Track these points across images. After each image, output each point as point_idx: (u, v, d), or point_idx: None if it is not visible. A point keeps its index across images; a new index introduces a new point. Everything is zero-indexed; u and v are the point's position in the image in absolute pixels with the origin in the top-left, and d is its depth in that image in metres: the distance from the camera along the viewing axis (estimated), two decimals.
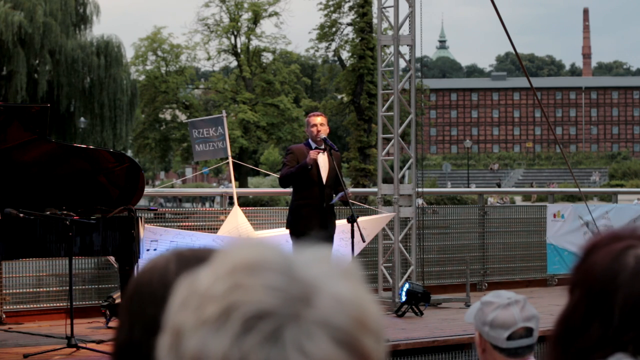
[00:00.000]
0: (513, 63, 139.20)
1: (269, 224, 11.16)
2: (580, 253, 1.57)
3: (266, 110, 53.66)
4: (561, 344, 1.52)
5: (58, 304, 10.24)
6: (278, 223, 10.85)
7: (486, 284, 12.99)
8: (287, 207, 9.56)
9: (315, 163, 8.99)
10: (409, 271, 11.65)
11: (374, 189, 13.21)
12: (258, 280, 0.89)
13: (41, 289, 10.33)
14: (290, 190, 9.45)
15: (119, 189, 8.77)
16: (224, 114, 10.97)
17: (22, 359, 7.88)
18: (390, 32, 12.45)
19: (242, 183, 50.10)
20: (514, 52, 11.67)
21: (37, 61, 41.75)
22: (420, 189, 11.87)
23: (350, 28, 47.43)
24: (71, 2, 41.78)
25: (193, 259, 1.33)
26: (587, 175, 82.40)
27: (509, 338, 3.14)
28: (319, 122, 9.16)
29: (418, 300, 10.71)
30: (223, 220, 10.53)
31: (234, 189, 11.05)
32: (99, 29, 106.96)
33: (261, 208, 13.86)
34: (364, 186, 40.77)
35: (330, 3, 48.04)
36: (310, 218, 9.00)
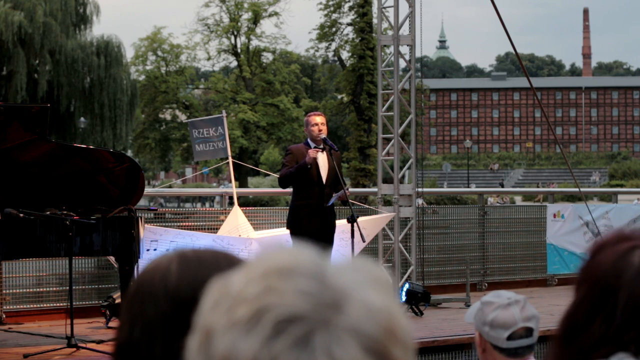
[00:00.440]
0: (513, 63, 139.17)
1: (269, 224, 11.16)
2: (587, 252, 1.58)
3: (266, 110, 53.65)
4: (564, 342, 1.52)
5: (58, 304, 10.24)
6: (278, 223, 10.85)
7: (486, 284, 12.99)
8: (287, 207, 9.55)
9: (315, 163, 8.97)
10: (409, 271, 11.65)
11: (374, 189, 13.22)
12: (290, 284, 0.90)
13: (41, 289, 10.32)
14: (290, 190, 9.44)
15: (119, 189, 8.77)
16: (224, 114, 10.97)
17: (22, 359, 7.88)
18: (390, 32, 12.46)
19: (242, 183, 50.10)
20: (514, 52, 11.67)
21: (37, 61, 41.76)
22: (420, 189, 11.88)
23: (350, 28, 47.43)
24: (71, 2, 41.78)
25: (195, 260, 1.33)
26: (587, 175, 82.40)
27: (509, 338, 3.14)
28: (320, 122, 9.15)
29: (418, 300, 10.72)
30: (223, 220, 10.52)
31: (234, 189, 11.05)
32: (99, 29, 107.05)
33: (261, 208, 13.85)
34: (364, 186, 40.75)
35: (330, 3, 48.04)
36: (310, 218, 8.99)
